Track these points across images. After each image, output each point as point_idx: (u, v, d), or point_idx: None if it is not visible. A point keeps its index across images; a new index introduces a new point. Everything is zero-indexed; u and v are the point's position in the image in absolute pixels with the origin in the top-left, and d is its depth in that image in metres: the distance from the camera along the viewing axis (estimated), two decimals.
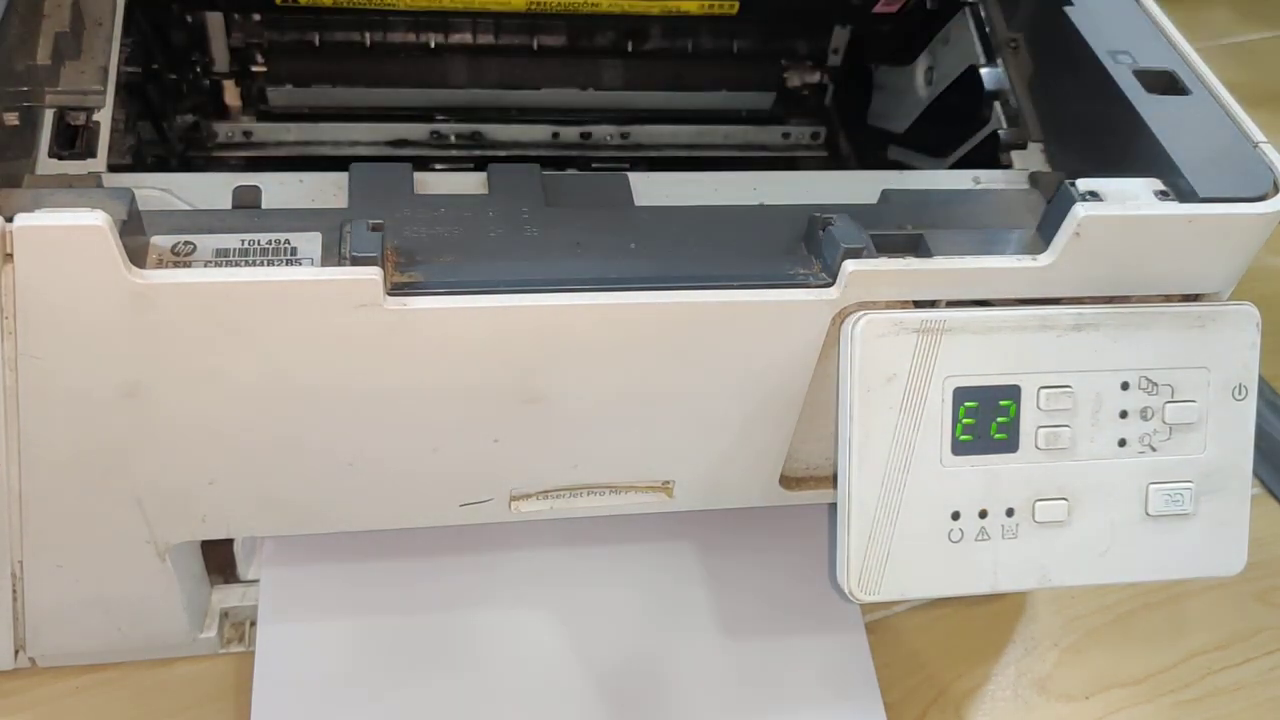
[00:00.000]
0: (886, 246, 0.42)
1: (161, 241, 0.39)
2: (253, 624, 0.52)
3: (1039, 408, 0.44)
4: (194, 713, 0.51)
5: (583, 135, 0.66)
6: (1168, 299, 0.45)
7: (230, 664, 0.52)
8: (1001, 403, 0.43)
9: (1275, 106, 0.96)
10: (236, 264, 0.38)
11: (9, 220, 0.35)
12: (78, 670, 0.51)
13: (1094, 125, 0.48)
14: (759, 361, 0.43)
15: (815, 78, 0.69)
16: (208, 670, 0.52)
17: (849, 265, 0.41)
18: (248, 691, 0.48)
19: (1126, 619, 0.59)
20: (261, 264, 0.38)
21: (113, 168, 0.44)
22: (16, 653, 0.48)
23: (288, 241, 0.39)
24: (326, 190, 0.44)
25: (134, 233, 0.38)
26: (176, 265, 0.38)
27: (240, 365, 0.39)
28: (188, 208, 0.43)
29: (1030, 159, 0.51)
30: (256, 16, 0.60)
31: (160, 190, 0.43)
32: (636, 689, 0.50)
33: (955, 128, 0.56)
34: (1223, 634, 0.59)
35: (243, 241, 0.39)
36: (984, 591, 0.45)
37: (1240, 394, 0.45)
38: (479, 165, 0.46)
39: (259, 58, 0.62)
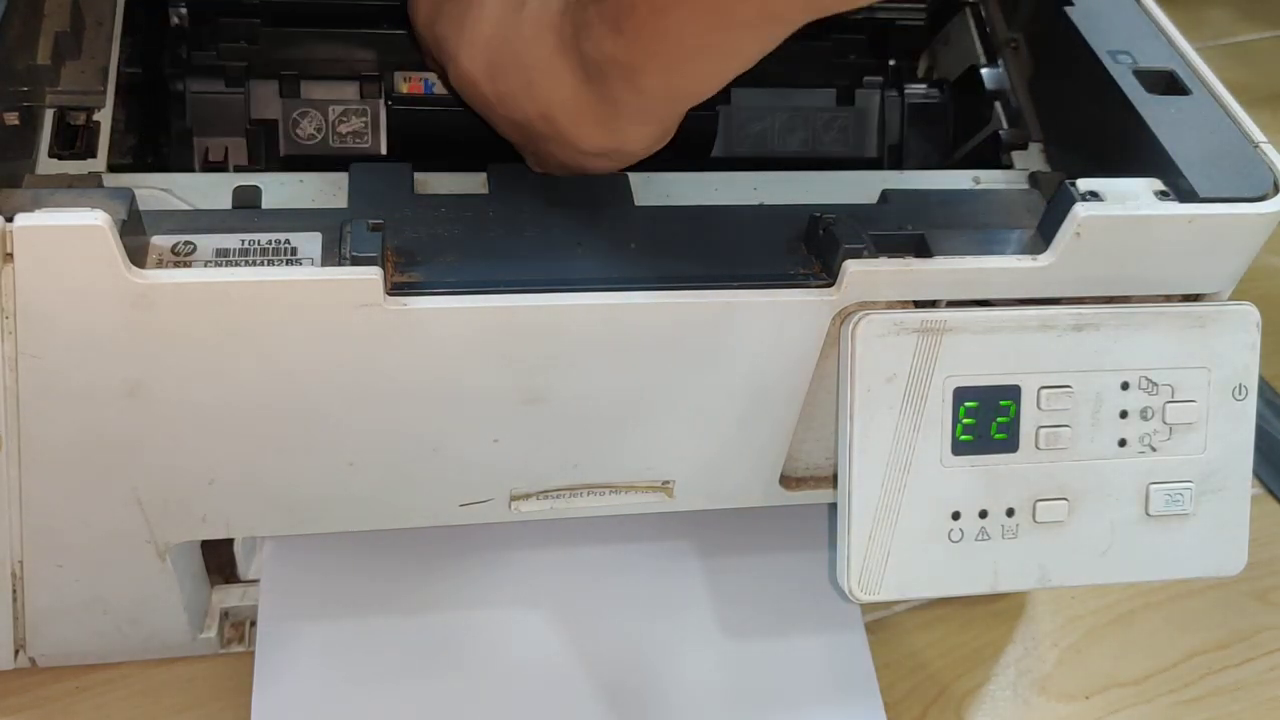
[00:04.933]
0: (887, 246, 0.42)
1: (161, 241, 0.39)
2: (253, 624, 0.52)
3: (1039, 408, 0.44)
4: (194, 713, 0.51)
5: None
6: (1168, 299, 0.45)
7: (230, 664, 0.52)
8: (1002, 403, 0.43)
9: (1275, 106, 0.96)
10: (237, 264, 0.38)
11: (9, 220, 0.35)
12: (78, 670, 0.51)
13: (1094, 125, 0.48)
14: (759, 361, 0.43)
15: None
16: (208, 670, 0.52)
17: (850, 265, 0.41)
18: (248, 691, 0.48)
19: (1126, 619, 0.59)
20: (262, 264, 0.38)
21: (113, 168, 0.44)
22: (16, 652, 0.48)
23: (288, 241, 0.39)
24: (326, 190, 0.44)
25: (134, 233, 0.38)
26: (177, 265, 0.38)
27: (240, 365, 0.39)
28: (188, 208, 0.43)
29: (1030, 159, 0.51)
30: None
31: (160, 190, 0.43)
32: (636, 688, 0.50)
33: (955, 128, 0.56)
34: (1223, 634, 0.59)
35: (243, 241, 0.39)
36: (984, 591, 0.45)
37: (1240, 394, 0.45)
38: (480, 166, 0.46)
39: None
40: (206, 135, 0.52)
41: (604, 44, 0.38)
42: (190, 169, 0.51)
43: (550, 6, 0.40)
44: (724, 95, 0.51)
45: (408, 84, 0.54)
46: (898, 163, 0.57)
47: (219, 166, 0.52)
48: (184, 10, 0.53)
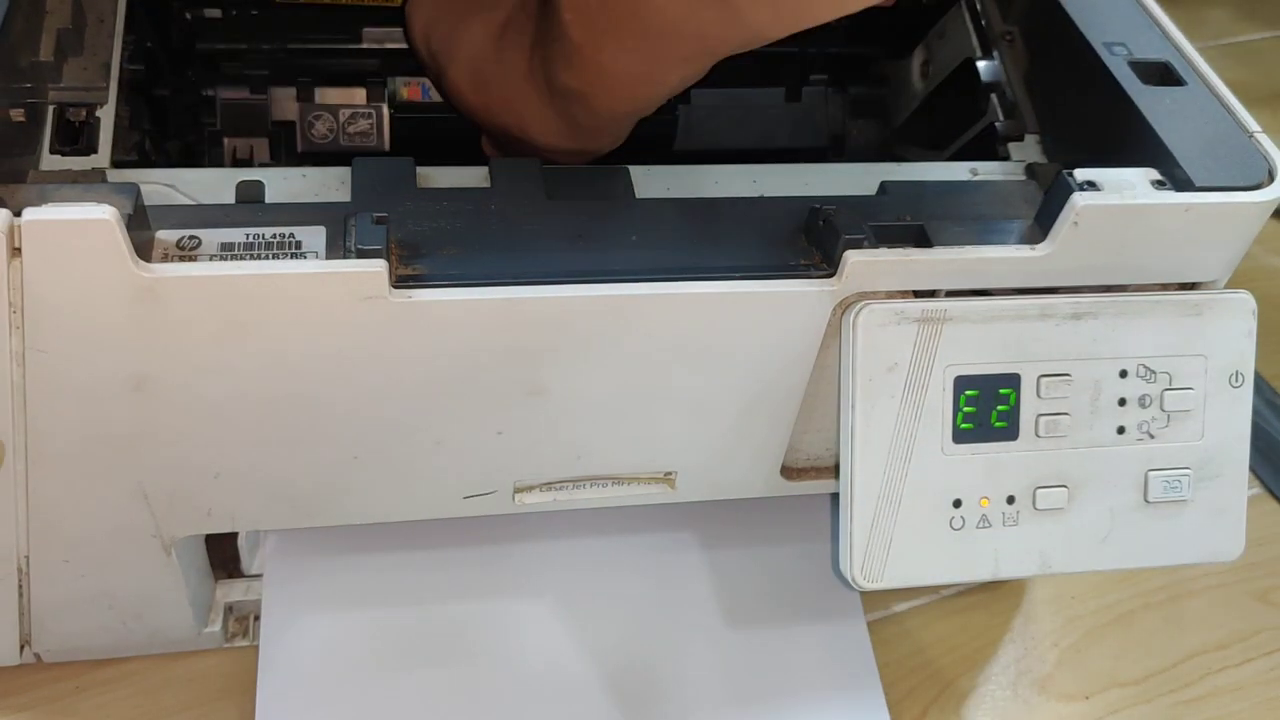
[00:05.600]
0: (887, 237, 0.42)
1: (167, 236, 0.39)
2: (257, 618, 0.52)
3: (1039, 396, 0.44)
4: (199, 708, 0.51)
5: None
6: (1165, 287, 0.45)
7: (235, 659, 0.52)
8: (1001, 391, 0.44)
9: (1275, 106, 0.96)
10: (242, 258, 0.39)
11: (17, 215, 0.36)
12: (83, 666, 0.51)
13: (1090, 116, 0.49)
14: (760, 352, 0.43)
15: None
16: (212, 665, 0.52)
17: (850, 256, 0.41)
18: (252, 686, 0.49)
19: (1126, 619, 0.59)
20: (266, 258, 0.39)
21: (117, 163, 0.44)
22: (22, 648, 0.48)
23: (292, 235, 0.40)
24: (329, 184, 0.44)
25: (139, 227, 0.38)
26: (182, 259, 0.38)
27: (246, 358, 0.39)
28: (192, 203, 0.43)
29: (1027, 151, 0.52)
30: (254, 13, 0.60)
31: (164, 185, 0.43)
32: (639, 681, 0.50)
33: (952, 121, 0.56)
34: (1223, 634, 0.59)
35: (247, 235, 0.39)
36: (985, 579, 0.45)
37: (1237, 381, 0.45)
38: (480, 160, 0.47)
39: None
40: (234, 137, 0.57)
41: (560, 76, 0.44)
42: (221, 165, 0.56)
43: (521, 40, 0.47)
44: (684, 95, 0.56)
45: (408, 89, 0.59)
46: (841, 153, 0.63)
47: (246, 164, 0.56)
48: (207, 19, 0.58)
